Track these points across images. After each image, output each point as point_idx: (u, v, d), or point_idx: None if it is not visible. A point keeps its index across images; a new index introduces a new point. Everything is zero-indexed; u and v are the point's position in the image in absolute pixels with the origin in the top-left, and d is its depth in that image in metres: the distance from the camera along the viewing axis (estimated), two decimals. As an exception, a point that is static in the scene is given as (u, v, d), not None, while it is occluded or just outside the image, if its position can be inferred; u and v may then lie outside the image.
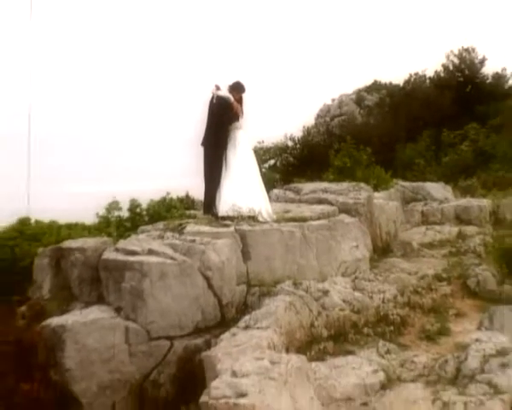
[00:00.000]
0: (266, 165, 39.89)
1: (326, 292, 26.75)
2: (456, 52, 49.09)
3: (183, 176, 34.22)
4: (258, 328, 24.74)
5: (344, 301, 26.72)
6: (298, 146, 50.19)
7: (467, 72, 48.24)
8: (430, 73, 50.11)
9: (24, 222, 32.31)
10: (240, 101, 28.83)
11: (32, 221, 32.59)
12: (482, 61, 49.02)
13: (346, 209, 29.86)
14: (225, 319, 26.08)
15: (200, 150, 29.30)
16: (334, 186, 32.90)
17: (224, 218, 28.50)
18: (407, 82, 51.24)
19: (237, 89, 28.97)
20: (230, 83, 29.09)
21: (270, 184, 31.26)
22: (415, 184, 35.17)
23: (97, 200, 35.41)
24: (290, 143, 50.74)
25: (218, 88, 28.82)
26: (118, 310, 25.88)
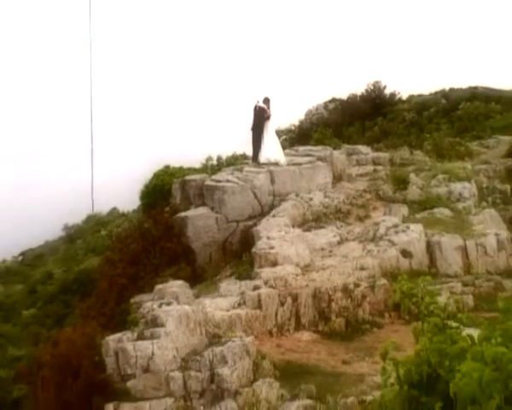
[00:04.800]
0: (281, 139, 39.84)
1: (311, 198, 26.91)
2: (372, 82, 48.86)
3: (242, 144, 34.16)
4: (279, 216, 25.10)
5: (320, 202, 26.86)
6: (296, 129, 50.07)
7: (376, 92, 47.92)
8: (359, 93, 49.77)
9: (167, 166, 32.51)
10: (269, 107, 28.79)
11: (171, 166, 32.69)
12: (384, 87, 48.65)
13: (320, 158, 29.71)
14: (263, 212, 26.36)
15: (250, 133, 29.43)
16: (314, 148, 32.69)
17: (262, 164, 28.52)
18: (348, 98, 50.90)
19: (267, 101, 28.92)
20: (264, 97, 29.09)
21: (283, 148, 31.14)
22: (353, 146, 34.95)
23: (202, 155, 35.57)
24: (292, 128, 50.57)
25: (258, 101, 28.85)
26: (212, 208, 26.36)
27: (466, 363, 4.06)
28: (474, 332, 5.07)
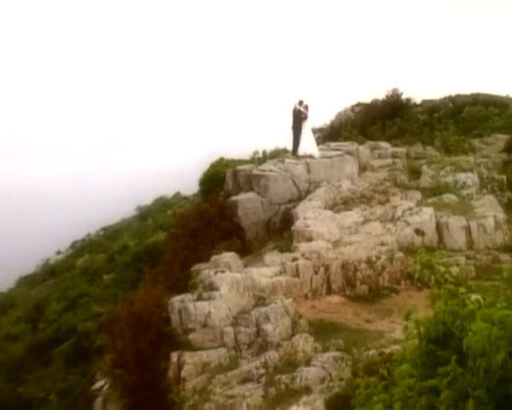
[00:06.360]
0: (315, 136, 39.27)
1: (340, 185, 26.54)
2: (391, 89, 48.26)
3: (284, 139, 33.82)
4: (314, 200, 24.90)
5: (347, 189, 26.50)
6: (328, 128, 49.68)
7: (395, 98, 47.29)
8: (380, 98, 49.13)
9: (221, 158, 32.15)
10: (306, 109, 28.44)
11: (225, 158, 32.29)
12: (401, 93, 48.01)
13: (347, 152, 29.26)
14: (300, 196, 25.98)
15: (290, 131, 29.15)
16: (343, 143, 32.27)
17: (300, 156, 28.20)
18: (372, 102, 50.25)
19: (301, 103, 28.49)
20: (299, 100, 28.71)
21: (317, 144, 30.72)
22: (375, 142, 34.43)
23: (250, 149, 35.33)
24: (325, 127, 50.17)
25: (296, 104, 28.56)
26: (258, 193, 25.96)
27: (476, 323, 4.07)
28: (477, 297, 5.08)
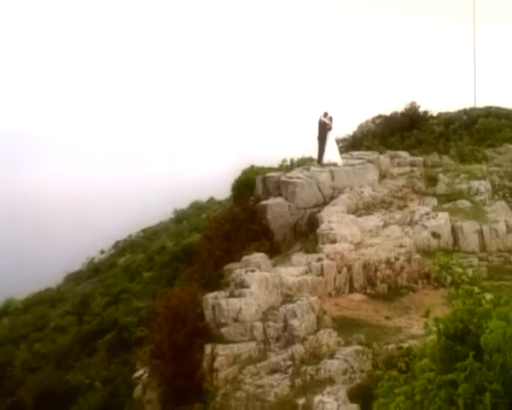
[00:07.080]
0: (339, 145, 38.79)
1: (362, 192, 26.39)
2: (409, 103, 47.81)
3: (309, 149, 33.65)
4: (337, 205, 24.79)
5: (369, 195, 26.33)
6: (351, 138, 49.39)
7: (413, 110, 46.87)
8: (399, 110, 48.72)
9: (252, 166, 31.95)
10: (331, 120, 28.34)
11: (255, 165, 32.10)
12: (419, 106, 47.55)
13: (369, 161, 29.08)
14: (325, 201, 25.86)
15: (316, 140, 29.08)
16: (364, 153, 32.05)
17: (325, 165, 28.10)
18: (391, 114, 49.78)
19: (326, 115, 28.43)
20: (324, 112, 28.61)
21: (341, 153, 30.56)
22: (394, 152, 34.16)
23: (278, 157, 35.19)
24: (348, 137, 49.89)
25: (321, 116, 28.46)
26: (286, 198, 25.93)
27: (493, 321, 4.02)
28: (491, 296, 5.04)
